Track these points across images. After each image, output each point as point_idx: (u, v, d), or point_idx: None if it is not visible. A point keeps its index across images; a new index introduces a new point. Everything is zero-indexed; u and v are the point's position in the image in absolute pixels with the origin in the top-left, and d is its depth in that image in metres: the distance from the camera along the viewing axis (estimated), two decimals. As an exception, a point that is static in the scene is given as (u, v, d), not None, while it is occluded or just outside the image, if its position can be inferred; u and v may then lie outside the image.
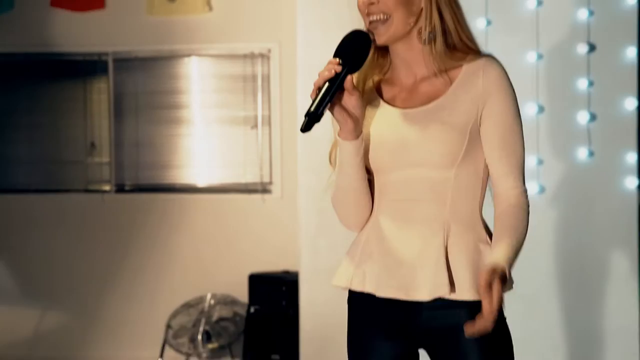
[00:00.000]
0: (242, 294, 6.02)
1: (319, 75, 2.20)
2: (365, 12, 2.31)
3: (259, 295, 5.84)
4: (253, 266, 6.06)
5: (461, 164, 2.29)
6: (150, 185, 6.43)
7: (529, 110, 4.49)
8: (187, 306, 6.04)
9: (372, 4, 2.28)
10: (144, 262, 6.36)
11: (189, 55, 6.36)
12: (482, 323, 2.11)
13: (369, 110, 2.34)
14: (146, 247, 6.36)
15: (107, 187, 6.47)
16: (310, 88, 2.20)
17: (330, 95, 2.18)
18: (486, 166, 2.33)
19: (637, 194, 4.53)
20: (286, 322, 5.61)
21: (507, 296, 2.19)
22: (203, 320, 5.91)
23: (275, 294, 5.73)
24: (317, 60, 2.28)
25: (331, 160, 2.41)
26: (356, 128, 2.26)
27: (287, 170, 6.15)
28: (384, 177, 2.34)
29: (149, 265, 6.35)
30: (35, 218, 6.47)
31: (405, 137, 2.29)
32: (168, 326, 6.00)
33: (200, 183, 6.39)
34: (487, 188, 2.37)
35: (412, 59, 2.35)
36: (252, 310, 5.83)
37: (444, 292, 2.26)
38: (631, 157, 4.51)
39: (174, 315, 6.01)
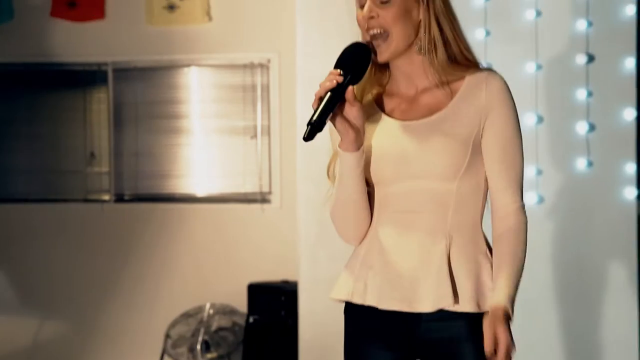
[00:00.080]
0: (241, 303, 6.02)
1: (320, 86, 2.20)
2: (365, 27, 2.31)
3: (258, 305, 5.84)
4: (252, 276, 6.05)
5: (463, 176, 2.29)
6: (149, 195, 6.43)
7: (528, 120, 4.49)
8: (186, 316, 6.03)
9: (371, 17, 2.29)
10: (143, 272, 6.35)
11: (188, 65, 6.37)
12: None
13: (369, 123, 2.34)
14: (145, 257, 6.35)
15: (106, 197, 6.47)
16: (309, 98, 2.21)
17: (331, 105, 2.19)
18: (486, 178, 2.34)
19: (636, 205, 4.53)
20: (285, 332, 5.60)
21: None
22: (202, 330, 5.91)
23: (275, 303, 5.73)
24: (316, 70, 2.29)
25: (329, 174, 2.41)
26: (357, 139, 2.26)
27: (287, 180, 6.15)
28: (385, 189, 2.34)
29: (148, 275, 6.35)
30: (34, 227, 6.46)
31: (407, 149, 2.29)
32: (167, 336, 5.99)
33: (200, 193, 6.39)
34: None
35: (412, 71, 2.36)
36: (251, 320, 5.83)
37: (447, 304, 2.26)
38: (630, 168, 4.51)
39: (173, 324, 6.01)
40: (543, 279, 4.56)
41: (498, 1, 4.55)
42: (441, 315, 2.29)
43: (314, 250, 4.83)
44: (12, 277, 6.53)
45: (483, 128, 2.30)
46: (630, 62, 4.51)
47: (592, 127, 4.51)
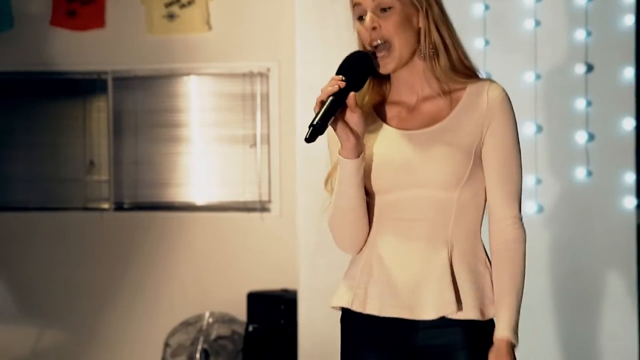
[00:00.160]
0: (240, 312, 6.02)
1: (321, 91, 2.21)
2: (368, 39, 2.32)
3: (257, 314, 5.84)
4: (252, 284, 6.05)
5: (465, 185, 2.30)
6: (149, 204, 6.43)
7: (527, 129, 4.50)
8: (185, 324, 6.03)
9: (374, 28, 2.30)
10: (143, 281, 6.35)
11: (188, 74, 6.38)
12: None
13: (369, 132, 2.35)
14: (145, 266, 6.35)
15: (106, 205, 6.47)
16: (309, 107, 2.22)
17: (333, 109, 2.19)
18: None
19: (635, 214, 4.53)
20: (285, 341, 5.60)
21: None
22: (201, 339, 5.90)
23: (274, 312, 5.72)
24: (316, 79, 2.30)
25: (327, 186, 2.41)
26: (357, 146, 2.27)
27: (286, 189, 6.16)
28: (385, 197, 2.34)
29: (147, 283, 6.35)
30: (34, 236, 6.47)
31: (410, 158, 2.30)
32: (166, 344, 5.99)
33: (199, 201, 6.39)
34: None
35: (414, 80, 2.37)
36: (250, 328, 5.83)
37: (451, 311, 2.27)
38: (629, 177, 4.52)
39: (172, 333, 6.01)
40: (542, 288, 4.56)
41: (497, 11, 4.56)
42: (439, 322, 2.29)
43: (313, 259, 4.83)
44: (12, 285, 6.53)
45: (483, 138, 2.31)
46: (629, 72, 4.52)
47: (591, 137, 4.51)
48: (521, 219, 2.35)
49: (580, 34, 4.52)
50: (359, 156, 2.28)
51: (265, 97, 6.29)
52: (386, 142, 2.34)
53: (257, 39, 6.26)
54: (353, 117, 2.24)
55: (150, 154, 6.41)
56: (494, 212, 2.34)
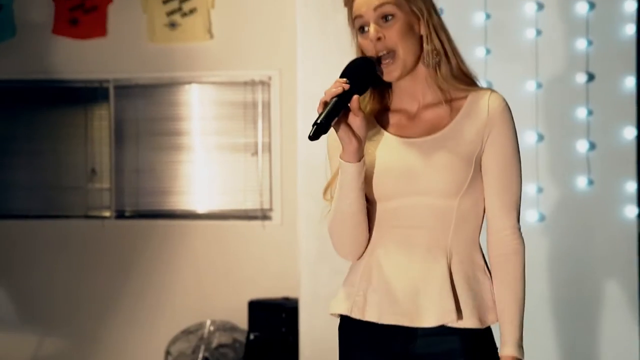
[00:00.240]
0: (241, 320, 6.02)
1: (325, 93, 2.21)
2: (373, 51, 2.32)
3: (258, 322, 5.84)
4: (253, 292, 6.05)
5: (465, 193, 2.31)
6: (150, 212, 6.44)
7: (528, 138, 4.50)
8: (186, 332, 6.03)
9: (379, 39, 2.30)
10: (144, 289, 6.35)
11: (189, 82, 6.39)
12: None
13: (370, 139, 2.35)
14: (146, 274, 6.36)
15: (107, 213, 6.47)
16: (310, 115, 2.23)
17: (336, 110, 2.20)
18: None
19: (636, 223, 4.54)
20: (286, 349, 5.60)
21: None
22: (202, 347, 5.90)
23: (275, 320, 5.72)
24: (317, 87, 2.30)
25: (325, 195, 2.41)
26: (359, 149, 2.27)
27: (287, 197, 6.16)
28: (385, 204, 2.34)
29: (148, 291, 6.35)
30: (35, 244, 6.47)
31: (411, 166, 2.30)
32: (167, 352, 5.98)
33: (201, 209, 6.39)
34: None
35: (415, 88, 2.38)
36: (251, 336, 5.82)
37: (451, 319, 2.27)
38: (630, 186, 4.52)
39: (174, 341, 6.00)
40: (543, 296, 4.56)
41: (498, 20, 4.57)
42: (438, 330, 2.30)
43: (314, 267, 4.84)
44: (13, 293, 6.53)
45: (484, 147, 2.32)
46: (630, 81, 4.52)
47: (592, 146, 4.52)
48: (519, 229, 2.36)
49: (581, 43, 4.53)
50: (360, 160, 2.28)
51: (267, 106, 6.30)
52: (387, 149, 2.34)
53: (258, 47, 6.27)
54: (356, 120, 2.24)
55: (152, 162, 6.42)
56: (492, 222, 2.36)
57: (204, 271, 6.31)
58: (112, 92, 6.45)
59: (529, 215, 4.51)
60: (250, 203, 6.33)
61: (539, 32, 4.55)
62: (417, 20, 2.33)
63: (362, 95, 2.30)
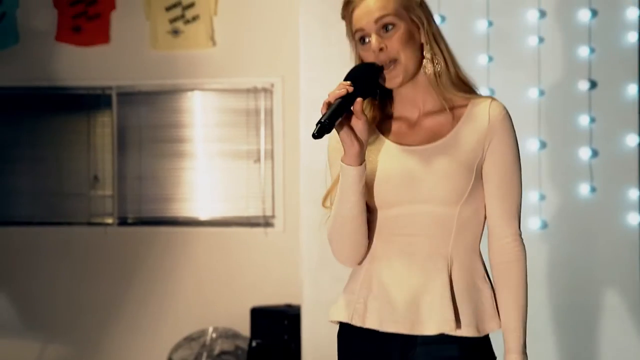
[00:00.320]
0: (244, 327, 6.01)
1: (328, 95, 2.22)
2: (376, 62, 2.33)
3: (260, 329, 5.83)
4: (255, 300, 6.05)
5: (466, 201, 2.31)
6: (152, 219, 6.44)
7: (530, 146, 4.51)
8: (189, 339, 6.02)
9: (381, 49, 2.31)
10: (146, 295, 6.35)
11: (192, 89, 6.40)
12: None
13: (371, 147, 2.36)
14: (148, 281, 6.36)
15: (109, 220, 6.48)
16: (313, 122, 2.22)
17: (340, 111, 2.21)
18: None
19: (639, 230, 4.53)
20: (288, 356, 5.59)
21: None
22: (205, 354, 5.90)
23: (277, 327, 5.72)
24: (319, 95, 2.30)
25: (325, 202, 2.41)
26: (360, 153, 2.27)
27: (290, 204, 6.16)
28: (386, 212, 2.35)
29: (151, 298, 6.35)
30: (38, 250, 6.47)
31: (412, 174, 2.31)
32: (170, 360, 5.99)
33: (203, 216, 6.40)
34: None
35: (416, 95, 2.39)
36: (253, 344, 5.82)
37: (450, 328, 2.28)
38: (633, 193, 4.52)
39: (176, 348, 6.00)
40: (546, 304, 4.55)
41: (501, 27, 4.57)
42: (438, 338, 2.30)
43: (317, 274, 4.83)
44: (16, 300, 6.53)
45: (485, 155, 2.33)
46: (632, 89, 4.52)
47: (595, 153, 4.52)
48: (520, 235, 2.37)
49: (583, 51, 4.53)
50: (361, 164, 2.28)
51: (269, 113, 6.31)
52: (388, 157, 2.35)
53: (261, 54, 6.28)
54: (358, 123, 2.25)
55: (154, 169, 6.42)
56: (493, 229, 2.36)
57: (206, 278, 6.31)
58: (114, 99, 6.46)
59: (531, 223, 4.51)
60: (252, 210, 6.34)
61: (541, 40, 4.55)
62: (417, 28, 2.35)
63: (365, 99, 2.30)
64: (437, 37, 2.36)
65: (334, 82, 2.29)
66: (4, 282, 6.54)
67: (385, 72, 2.32)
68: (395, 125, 2.41)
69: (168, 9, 6.34)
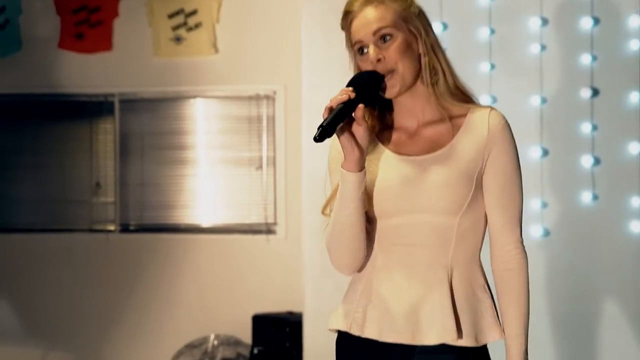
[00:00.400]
0: (245, 334, 6.01)
1: (330, 100, 2.22)
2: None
3: (262, 336, 5.83)
4: (257, 307, 6.05)
5: (465, 211, 2.32)
6: (154, 226, 6.44)
7: (533, 153, 4.50)
8: (190, 347, 6.02)
9: (379, 60, 2.31)
10: (148, 302, 6.35)
11: (194, 96, 6.41)
12: None
13: (371, 157, 2.36)
14: (150, 287, 6.36)
15: (111, 227, 6.48)
16: (315, 129, 2.22)
17: (342, 116, 2.21)
18: (486, 213, 2.37)
19: (641, 238, 4.52)
20: (290, 364, 5.60)
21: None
22: (206, 361, 5.90)
23: (279, 335, 5.72)
24: (322, 102, 2.30)
25: (325, 210, 2.42)
26: (361, 159, 2.28)
27: (292, 211, 6.16)
28: (386, 222, 2.35)
29: (153, 305, 6.35)
30: (39, 257, 6.47)
31: (411, 184, 2.31)
32: (171, 367, 5.99)
33: (205, 223, 6.40)
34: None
35: (415, 105, 2.39)
36: (255, 351, 5.82)
37: (451, 338, 2.28)
38: (635, 201, 4.51)
39: (177, 355, 6.00)
40: (548, 312, 4.55)
41: (503, 35, 4.58)
42: (437, 348, 2.30)
43: (319, 281, 4.83)
44: (17, 307, 6.53)
45: (485, 165, 2.33)
46: (634, 96, 4.52)
47: (597, 161, 4.51)
48: (522, 242, 2.38)
49: (585, 59, 4.53)
50: (361, 170, 2.29)
51: (271, 120, 6.31)
52: (387, 167, 2.35)
53: (263, 62, 6.29)
54: (359, 129, 2.25)
55: (157, 176, 6.42)
56: (495, 238, 2.37)
57: (208, 285, 6.31)
58: (117, 106, 6.47)
59: (534, 230, 4.50)
60: (254, 217, 6.34)
61: (543, 47, 4.55)
62: (415, 39, 2.35)
63: (367, 106, 2.31)
64: (435, 48, 2.36)
65: (336, 89, 2.30)
66: (6, 289, 6.54)
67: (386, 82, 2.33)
68: (395, 135, 2.41)
69: (171, 16, 6.35)
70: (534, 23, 4.56)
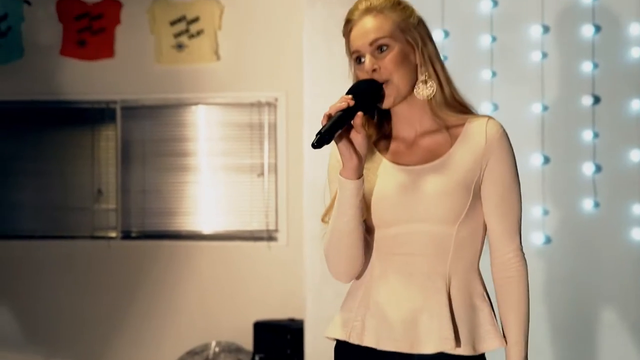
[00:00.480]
0: (247, 341, 6.01)
1: (330, 107, 2.23)
2: None
3: (263, 343, 5.83)
4: (258, 314, 6.05)
5: (463, 221, 2.32)
6: (156, 232, 6.44)
7: (534, 161, 4.50)
8: (191, 353, 6.02)
9: (374, 70, 2.32)
10: (150, 309, 6.35)
11: (196, 103, 6.41)
12: None
13: (369, 166, 2.37)
14: (152, 294, 6.35)
15: (113, 234, 6.48)
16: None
17: (340, 123, 2.22)
18: (485, 222, 2.37)
19: (642, 246, 4.52)
20: (291, 371, 5.59)
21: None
22: (207, 368, 5.90)
23: (280, 342, 5.71)
24: (323, 109, 2.31)
25: (325, 218, 2.42)
26: (359, 167, 2.28)
27: (293, 218, 6.17)
28: (384, 231, 2.35)
29: (154, 312, 6.35)
30: (41, 264, 6.47)
31: (409, 193, 2.32)
32: (172, 374, 5.98)
33: (206, 230, 6.40)
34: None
35: (412, 115, 2.39)
36: (256, 358, 5.81)
37: (450, 347, 2.28)
38: (637, 209, 4.51)
39: (179, 362, 6.00)
40: (549, 319, 4.54)
41: (504, 42, 4.58)
42: (435, 357, 2.31)
43: (320, 288, 4.83)
44: (18, 314, 6.53)
45: (483, 174, 2.33)
46: (636, 104, 4.52)
47: (598, 168, 4.51)
48: (522, 250, 2.38)
49: (587, 66, 4.53)
50: (359, 178, 2.29)
51: (273, 127, 6.32)
52: (386, 176, 2.36)
53: (264, 69, 6.30)
54: (357, 137, 2.26)
55: (158, 183, 6.43)
56: (495, 246, 2.37)
57: (209, 292, 6.31)
58: (119, 113, 6.48)
59: (535, 238, 4.50)
60: (256, 224, 6.34)
61: (544, 55, 4.55)
62: (412, 49, 2.35)
63: (366, 114, 2.31)
64: (432, 58, 2.36)
65: (338, 96, 2.30)
66: (7, 295, 6.54)
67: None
68: (393, 145, 2.42)
69: (172, 23, 6.37)
70: (535, 31, 4.56)
